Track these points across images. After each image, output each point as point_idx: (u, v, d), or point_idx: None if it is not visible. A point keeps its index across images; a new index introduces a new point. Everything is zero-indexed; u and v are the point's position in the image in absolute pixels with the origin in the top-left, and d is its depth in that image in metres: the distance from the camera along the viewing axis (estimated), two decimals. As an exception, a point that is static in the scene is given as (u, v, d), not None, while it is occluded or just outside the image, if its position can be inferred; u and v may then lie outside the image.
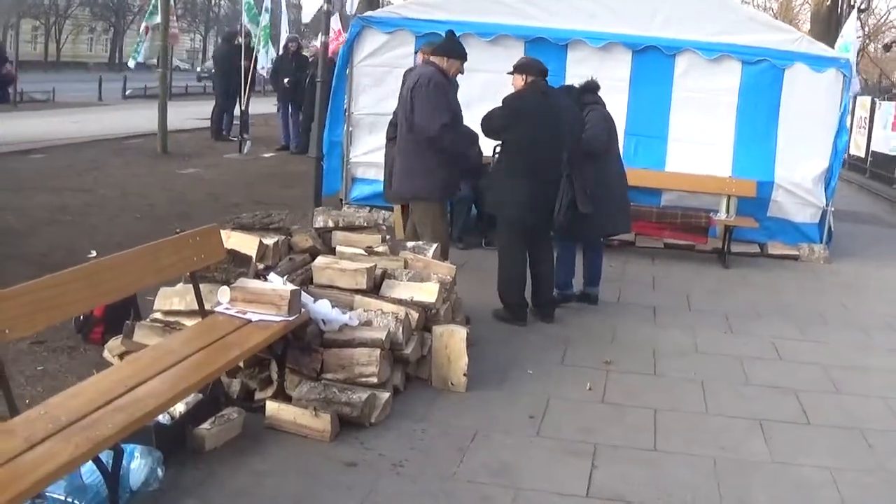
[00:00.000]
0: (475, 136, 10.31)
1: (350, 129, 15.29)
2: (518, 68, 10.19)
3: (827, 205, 14.85)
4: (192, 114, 32.13)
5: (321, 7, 15.42)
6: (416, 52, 14.47)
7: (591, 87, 11.07)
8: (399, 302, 7.85)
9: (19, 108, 34.34)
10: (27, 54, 75.25)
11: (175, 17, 25.21)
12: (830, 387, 8.73)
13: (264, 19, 24.19)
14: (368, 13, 15.08)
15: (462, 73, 10.25)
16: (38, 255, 11.39)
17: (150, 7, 23.45)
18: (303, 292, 7.22)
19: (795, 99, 14.49)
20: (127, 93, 47.36)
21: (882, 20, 61.35)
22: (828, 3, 32.56)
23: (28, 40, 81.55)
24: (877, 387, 8.80)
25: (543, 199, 9.83)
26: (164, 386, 5.42)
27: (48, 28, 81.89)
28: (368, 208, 14.46)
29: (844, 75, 14.47)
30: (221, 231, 7.52)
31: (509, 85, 13.52)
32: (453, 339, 7.79)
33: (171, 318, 7.45)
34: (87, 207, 14.73)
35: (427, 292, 8.06)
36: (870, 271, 14.39)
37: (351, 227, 8.78)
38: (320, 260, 8.12)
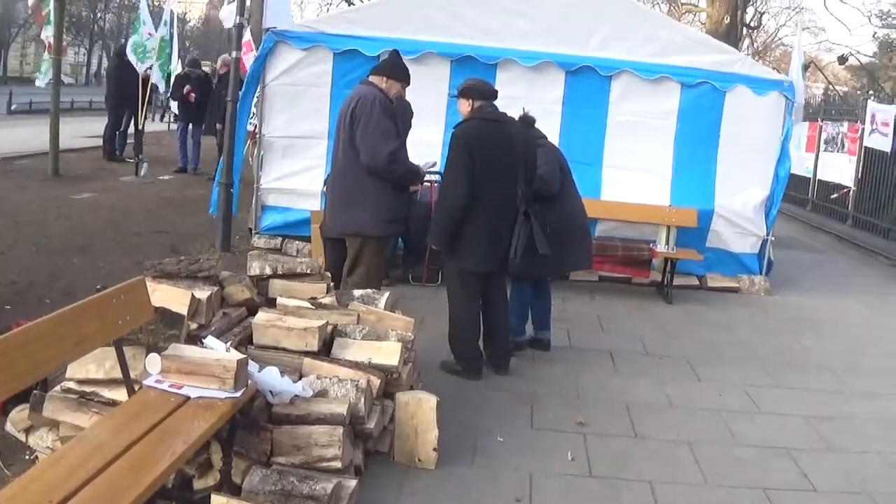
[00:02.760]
0: (421, 173, 9.27)
1: (261, 152, 14.16)
2: (463, 92, 9.04)
3: (767, 234, 14.20)
4: (81, 131, 30.57)
5: (235, 22, 14.16)
6: (332, 70, 13.56)
7: (530, 122, 9.86)
8: (356, 366, 6.65)
9: None
10: None
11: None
12: (822, 443, 8.01)
13: (160, 31, 22.80)
14: (283, 27, 13.88)
15: (403, 95, 9.28)
16: (-78, 299, 10.03)
17: (47, 20, 21.96)
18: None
19: (736, 123, 13.90)
20: (12, 108, 45.61)
21: (771, 38, 62.30)
22: (726, 21, 32.00)
23: None
24: (867, 439, 8.22)
25: (500, 239, 8.81)
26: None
27: (-70, 38, 79.59)
28: (280, 238, 13.73)
29: (787, 98, 13.87)
30: (146, 281, 6.28)
31: (431, 108, 12.72)
32: (421, 409, 6.65)
33: (88, 388, 6.10)
34: (-24, 241, 13.25)
35: (387, 353, 6.88)
36: (814, 304, 13.81)
37: (292, 275, 7.57)
38: (262, 317, 6.87)
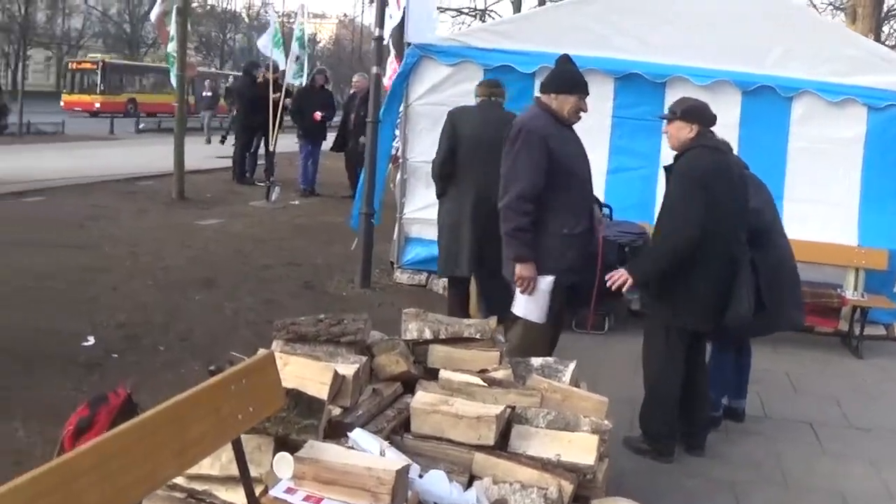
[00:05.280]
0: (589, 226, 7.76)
1: (405, 177, 13.05)
2: (687, 115, 7.49)
3: (961, 278, 12.51)
4: (210, 151, 29.97)
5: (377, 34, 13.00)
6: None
7: (727, 149, 8.30)
8: (542, 465, 5.13)
9: (24, 140, 32.16)
10: (38, 84, 74.17)
11: (192, 50, 23.13)
12: None
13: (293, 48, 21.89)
14: (428, 41, 12.67)
15: (585, 110, 7.71)
16: (17, 341, 8.79)
17: (171, 37, 21.15)
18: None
19: (929, 152, 12.24)
20: (140, 126, 45.46)
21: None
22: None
23: (41, 69, 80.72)
24: None
25: (723, 292, 7.31)
26: None
27: (60, 57, 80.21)
28: (426, 274, 12.79)
29: (984, 124, 12.21)
30: (275, 354, 4.90)
31: (593, 130, 11.35)
32: (624, 523, 5.18)
33: (199, 486, 4.76)
34: (87, 272, 11.98)
35: (580, 448, 5.32)
36: None
37: (457, 339, 6.15)
38: (423, 399, 5.41)
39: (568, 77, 7.66)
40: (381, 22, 12.93)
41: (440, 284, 12.39)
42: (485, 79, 10.97)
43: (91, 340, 8.91)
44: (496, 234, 8.17)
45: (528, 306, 7.44)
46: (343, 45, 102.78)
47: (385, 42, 14.24)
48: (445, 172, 9.74)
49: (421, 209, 12.85)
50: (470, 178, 9.46)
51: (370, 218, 12.57)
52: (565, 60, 7.78)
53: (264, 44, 23.03)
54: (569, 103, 7.52)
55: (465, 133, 9.52)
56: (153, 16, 22.88)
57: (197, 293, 11.31)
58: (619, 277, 7.24)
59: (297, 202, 21.23)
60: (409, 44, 12.84)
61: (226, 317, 10.36)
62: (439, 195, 10.05)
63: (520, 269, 7.33)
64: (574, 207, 7.48)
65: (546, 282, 7.39)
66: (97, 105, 57.07)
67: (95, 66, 59.61)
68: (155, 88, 63.60)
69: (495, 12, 46.40)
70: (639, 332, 7.93)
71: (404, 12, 13.20)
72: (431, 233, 12.46)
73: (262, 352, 4.72)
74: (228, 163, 25.37)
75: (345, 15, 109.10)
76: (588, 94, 7.71)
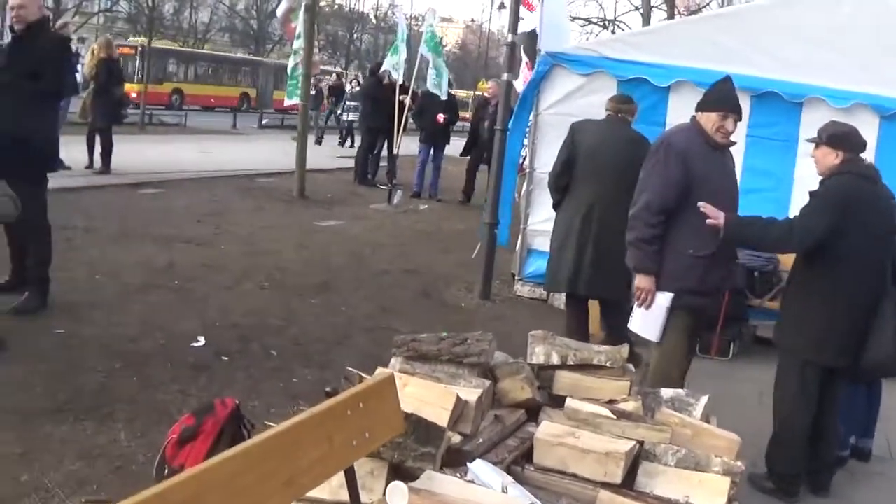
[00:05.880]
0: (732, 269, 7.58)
1: (531, 188, 12.67)
2: (833, 140, 7.07)
3: None
4: (332, 151, 29.86)
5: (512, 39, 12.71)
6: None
7: (874, 177, 7.84)
8: None
9: (147, 131, 32.37)
10: (163, 77, 74.84)
11: (317, 49, 23.16)
12: None
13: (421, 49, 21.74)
14: (562, 49, 12.31)
15: (730, 130, 7.35)
16: (125, 340, 8.58)
17: (297, 34, 21.11)
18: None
19: None
20: (263, 122, 45.63)
21: None
22: None
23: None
24: None
25: (859, 326, 6.87)
26: None
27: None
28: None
29: None
30: (394, 374, 4.60)
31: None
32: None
33: (308, 511, 4.51)
34: (201, 269, 11.83)
35: (710, 490, 4.89)
36: None
37: (586, 365, 5.79)
38: (548, 430, 5.03)
39: (712, 94, 7.36)
40: (514, 27, 12.64)
41: (561, 299, 12.03)
42: (616, 94, 10.55)
43: (201, 341, 8.70)
44: (605, 252, 8.25)
45: (644, 322, 7.23)
46: (469, 50, 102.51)
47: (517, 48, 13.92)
48: (561, 185, 9.58)
49: (545, 221, 12.27)
50: (583, 193, 9.29)
51: (493, 228, 12.27)
52: (723, 81, 7.51)
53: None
54: (711, 120, 7.21)
55: (584, 147, 9.32)
56: (279, 12, 22.98)
57: (312, 296, 11.10)
58: (714, 218, 6.81)
59: (422, 207, 21.03)
60: (541, 51, 12.50)
61: (341, 323, 10.10)
62: (554, 206, 9.89)
63: (638, 280, 7.17)
64: (704, 229, 7.07)
65: (665, 297, 7.14)
66: (134, 95, 48.46)
67: (134, 52, 52.81)
68: (205, 78, 61.46)
69: (624, 23, 45.88)
70: (764, 360, 7.68)
71: (539, 19, 12.91)
72: (556, 245, 12.22)
73: (380, 372, 4.47)
74: (350, 163, 25.37)
75: (472, 20, 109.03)
76: (736, 113, 7.36)
